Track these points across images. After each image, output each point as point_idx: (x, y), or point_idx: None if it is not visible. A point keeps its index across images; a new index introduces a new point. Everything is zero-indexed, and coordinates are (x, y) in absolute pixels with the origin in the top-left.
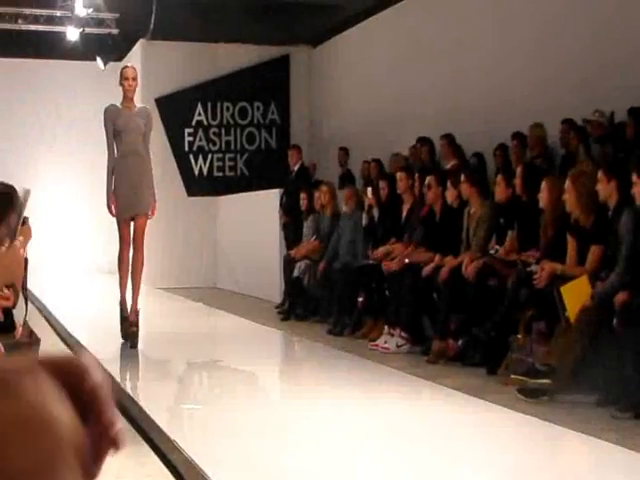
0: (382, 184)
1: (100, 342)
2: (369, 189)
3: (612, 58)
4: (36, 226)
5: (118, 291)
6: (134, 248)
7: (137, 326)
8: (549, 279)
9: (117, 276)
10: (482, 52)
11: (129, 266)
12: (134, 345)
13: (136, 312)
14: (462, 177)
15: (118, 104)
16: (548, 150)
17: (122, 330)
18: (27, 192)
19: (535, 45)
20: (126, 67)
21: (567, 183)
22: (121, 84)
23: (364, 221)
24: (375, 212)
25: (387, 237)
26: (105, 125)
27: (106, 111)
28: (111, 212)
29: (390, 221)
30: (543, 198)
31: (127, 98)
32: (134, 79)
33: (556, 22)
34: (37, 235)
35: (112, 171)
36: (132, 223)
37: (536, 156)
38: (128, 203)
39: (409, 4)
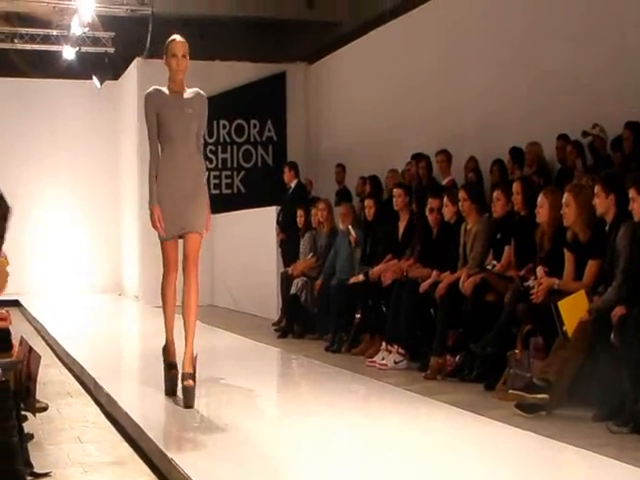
0: (369, 202)
1: (97, 361)
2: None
3: (608, 76)
4: (32, 246)
5: (163, 329)
6: (185, 275)
7: (194, 379)
8: (547, 294)
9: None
10: (478, 69)
11: (176, 299)
12: (189, 404)
13: (192, 360)
14: (464, 194)
15: (164, 88)
16: (544, 167)
17: (167, 383)
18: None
19: (529, 63)
20: (174, 40)
21: (567, 197)
22: (167, 63)
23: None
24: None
25: (377, 255)
26: (146, 116)
27: (148, 97)
28: (158, 228)
29: (382, 238)
30: (542, 212)
31: (175, 81)
32: (184, 56)
33: (552, 41)
34: (33, 255)
35: (156, 176)
36: (181, 242)
37: (533, 172)
38: (176, 218)
39: (405, 21)
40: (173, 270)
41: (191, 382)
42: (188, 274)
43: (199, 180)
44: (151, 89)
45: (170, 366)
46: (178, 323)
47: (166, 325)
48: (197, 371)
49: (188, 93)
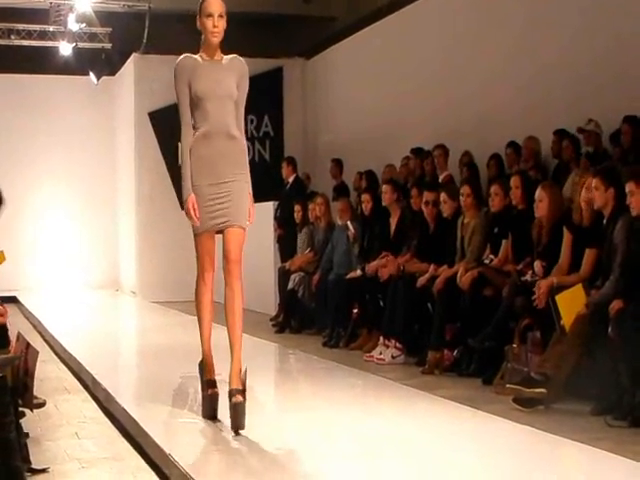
0: (365, 197)
1: (94, 357)
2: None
3: (606, 69)
4: (29, 242)
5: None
6: (226, 277)
7: (243, 395)
8: (548, 295)
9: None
10: (475, 64)
11: (212, 303)
12: (239, 425)
13: (240, 374)
14: (468, 190)
15: (196, 56)
16: (541, 162)
17: (206, 404)
18: None
19: (526, 58)
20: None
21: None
22: (201, 24)
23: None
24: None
25: (374, 250)
26: (177, 88)
27: (179, 66)
28: (192, 217)
29: (378, 234)
30: (542, 205)
31: (211, 45)
32: (221, 16)
33: (549, 35)
34: (30, 251)
35: (190, 157)
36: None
37: (530, 168)
38: (213, 208)
39: (402, 16)
40: (209, 268)
41: (240, 398)
42: (229, 275)
43: (240, 164)
44: (182, 56)
45: (208, 384)
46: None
47: (202, 335)
48: (247, 387)
49: (226, 60)
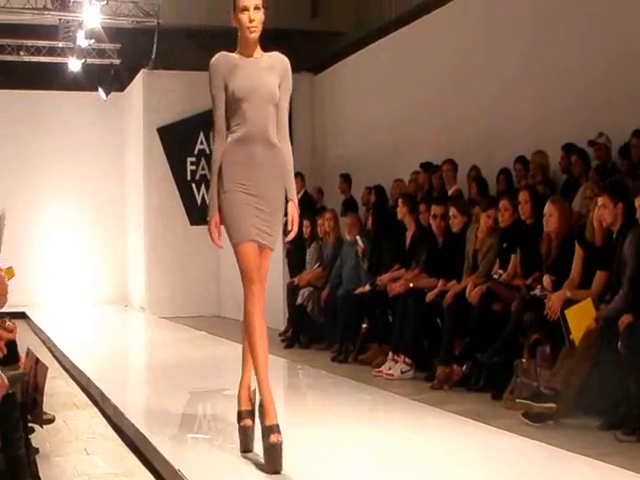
0: (370, 212)
1: (103, 372)
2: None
3: (614, 84)
4: (38, 257)
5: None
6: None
7: (279, 431)
8: (560, 308)
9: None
10: (484, 79)
11: (264, 321)
12: (276, 468)
13: (274, 407)
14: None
15: (233, 54)
16: (549, 177)
17: (241, 436)
18: (1, 216)
19: (534, 72)
20: None
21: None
22: (236, 20)
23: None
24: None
25: (384, 265)
26: (212, 88)
27: (214, 66)
28: (214, 240)
29: (388, 248)
30: (552, 220)
31: (248, 42)
32: (258, 9)
33: (558, 49)
34: (39, 267)
35: (221, 166)
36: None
37: (538, 182)
38: (253, 219)
39: (410, 31)
40: (257, 280)
41: (279, 437)
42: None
43: (278, 176)
44: (218, 55)
45: (240, 415)
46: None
47: (256, 359)
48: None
49: (266, 58)
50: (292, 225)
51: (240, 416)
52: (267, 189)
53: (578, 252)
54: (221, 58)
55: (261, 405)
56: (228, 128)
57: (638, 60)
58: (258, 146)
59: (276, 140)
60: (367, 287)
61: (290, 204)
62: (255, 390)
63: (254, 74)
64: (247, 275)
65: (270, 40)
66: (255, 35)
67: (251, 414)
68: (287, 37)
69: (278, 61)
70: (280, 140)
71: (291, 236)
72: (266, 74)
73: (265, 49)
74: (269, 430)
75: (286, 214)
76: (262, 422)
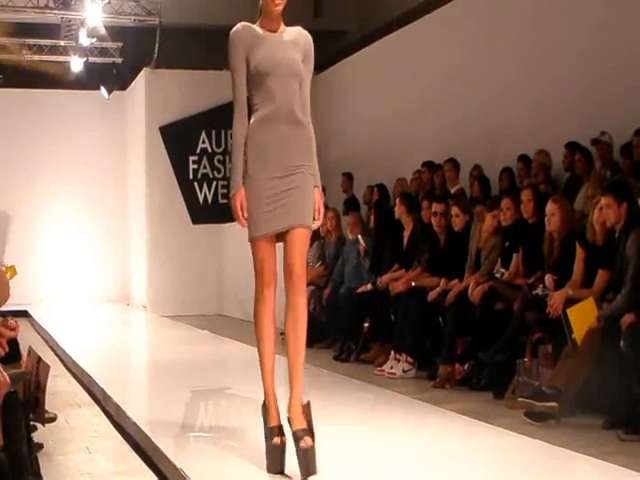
0: (371, 211)
1: (105, 371)
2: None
3: (616, 83)
4: (40, 256)
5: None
6: (288, 291)
7: (311, 435)
8: (562, 305)
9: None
10: (486, 77)
11: (275, 326)
12: (311, 472)
13: (303, 410)
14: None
15: (255, 26)
16: (551, 176)
17: (271, 456)
18: None
19: (537, 70)
20: None
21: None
22: None
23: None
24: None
25: (385, 263)
26: (232, 61)
27: (235, 36)
28: (239, 218)
29: (389, 247)
30: (554, 219)
31: (271, 15)
32: None
33: (555, 48)
34: (41, 265)
35: (245, 146)
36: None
37: (540, 182)
38: (272, 206)
39: (412, 30)
40: (270, 282)
41: (309, 441)
42: (293, 289)
43: (306, 153)
44: (239, 26)
45: (272, 432)
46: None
47: (263, 369)
48: (312, 425)
49: (289, 33)
50: (318, 214)
51: (270, 433)
52: (294, 168)
53: (579, 253)
54: (243, 29)
55: (263, 405)
56: (250, 105)
57: (638, 59)
58: (285, 125)
59: (303, 117)
60: (369, 286)
61: (315, 191)
62: (308, 404)
63: (278, 48)
64: (260, 274)
65: None
66: (280, 8)
67: (281, 430)
68: None
69: (301, 36)
70: (304, 116)
71: (316, 225)
72: (290, 49)
73: None
74: (297, 435)
75: None
76: (291, 428)
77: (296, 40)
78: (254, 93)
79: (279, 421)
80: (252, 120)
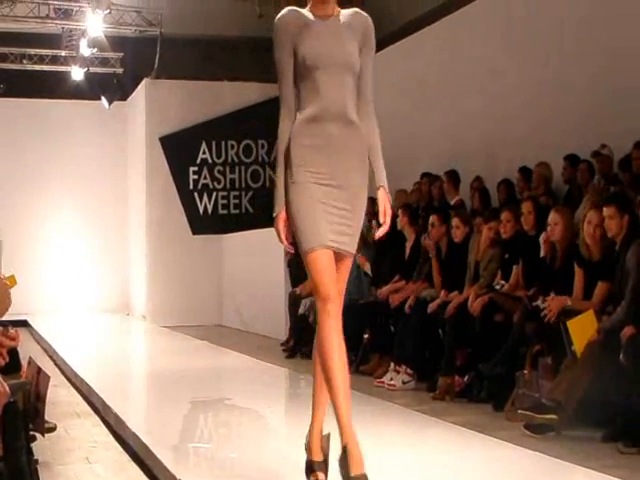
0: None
1: (105, 381)
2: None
3: (613, 95)
4: (40, 265)
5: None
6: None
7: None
8: (558, 311)
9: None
10: (486, 90)
11: (343, 347)
12: None
13: (360, 454)
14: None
15: (304, 10)
16: (552, 188)
17: None
18: None
19: (537, 83)
20: None
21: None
22: None
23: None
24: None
25: (384, 275)
26: (277, 52)
27: (281, 23)
28: (282, 241)
29: (389, 258)
30: (557, 229)
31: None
32: None
33: (557, 61)
34: (41, 275)
35: (288, 149)
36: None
37: (541, 194)
38: (330, 217)
39: (412, 41)
40: (333, 296)
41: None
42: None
43: (359, 158)
44: (285, 11)
45: (311, 466)
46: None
47: (334, 396)
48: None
49: (344, 16)
50: (384, 217)
51: (311, 468)
52: (346, 177)
53: (578, 271)
54: (290, 15)
55: (344, 451)
56: (300, 100)
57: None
58: (334, 125)
59: (355, 117)
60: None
61: (380, 191)
62: (328, 436)
63: (330, 37)
64: (321, 291)
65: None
66: None
67: (323, 466)
68: None
69: (358, 21)
70: (364, 117)
71: (382, 231)
72: (344, 37)
73: (268, 60)
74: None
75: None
76: (345, 472)
77: (351, 25)
78: (300, 89)
79: (321, 455)
80: (296, 121)
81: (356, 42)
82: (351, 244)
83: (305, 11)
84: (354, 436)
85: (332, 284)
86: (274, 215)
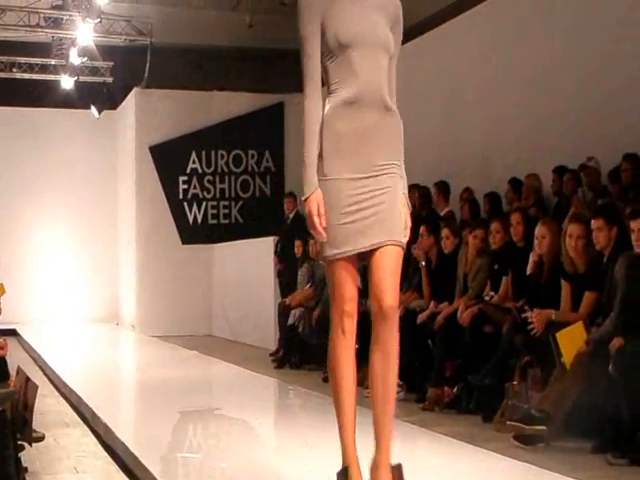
0: None
1: (94, 391)
2: None
3: (602, 107)
4: (29, 275)
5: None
6: (377, 326)
7: None
8: (545, 325)
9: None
10: (478, 103)
11: (355, 368)
12: None
13: (392, 473)
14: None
15: None
16: (542, 200)
17: None
18: None
19: (527, 94)
20: None
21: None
22: None
23: None
24: None
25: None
26: (302, 26)
27: None
28: (316, 228)
29: None
30: (545, 242)
31: None
32: None
33: (548, 73)
34: (31, 284)
35: (319, 137)
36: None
37: (530, 205)
38: (356, 216)
39: (405, 52)
40: (351, 312)
41: None
42: (383, 323)
43: (396, 149)
44: None
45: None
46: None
47: (340, 423)
48: None
49: None
50: (405, 229)
51: None
52: (384, 167)
53: (565, 287)
54: None
55: (345, 471)
56: (329, 84)
57: (628, 85)
58: (372, 110)
59: (391, 103)
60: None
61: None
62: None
63: (362, 14)
64: (338, 302)
65: (264, 60)
66: None
67: None
68: (280, 58)
69: (390, 2)
70: (392, 100)
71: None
72: (377, 15)
73: (259, 69)
74: None
75: None
76: None
77: (382, 4)
78: (331, 70)
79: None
80: (328, 105)
81: (388, 22)
82: (390, 232)
83: None
84: (357, 458)
85: (353, 299)
86: (303, 198)
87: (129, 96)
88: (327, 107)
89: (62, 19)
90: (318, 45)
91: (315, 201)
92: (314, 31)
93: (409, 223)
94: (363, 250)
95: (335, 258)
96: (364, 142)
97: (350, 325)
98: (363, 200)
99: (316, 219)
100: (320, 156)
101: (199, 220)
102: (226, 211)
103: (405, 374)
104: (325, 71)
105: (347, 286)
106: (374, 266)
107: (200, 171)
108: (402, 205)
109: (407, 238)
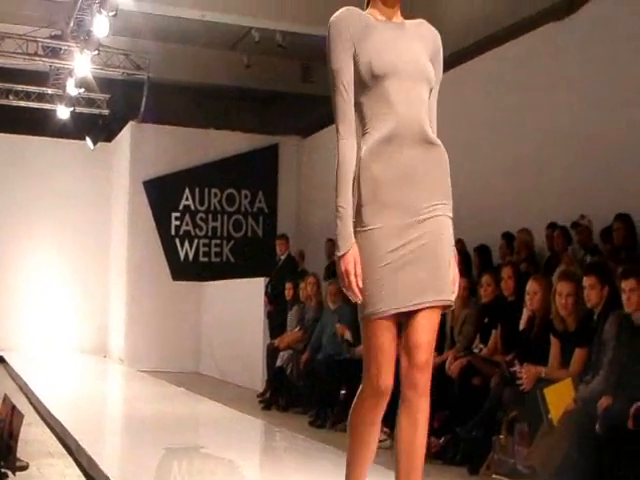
0: None
1: (80, 422)
2: None
3: (597, 167)
4: (18, 303)
5: None
6: (407, 389)
7: None
8: (534, 381)
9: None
10: (468, 154)
11: (377, 439)
12: None
13: None
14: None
15: (365, 12)
16: (534, 255)
17: None
18: None
19: (522, 152)
20: None
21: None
22: None
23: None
24: None
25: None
26: (334, 57)
27: (338, 22)
28: (352, 289)
29: None
30: (537, 298)
31: (388, 1)
32: None
33: (549, 132)
34: (19, 312)
35: (357, 184)
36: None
37: (522, 260)
38: (397, 272)
39: None
40: (386, 392)
41: None
42: (413, 387)
43: (444, 188)
44: (343, 10)
45: None
46: None
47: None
48: None
49: (410, 24)
50: (453, 284)
51: None
52: (429, 211)
53: (554, 344)
54: (349, 14)
55: None
56: (363, 121)
57: (622, 148)
58: (413, 147)
59: (434, 137)
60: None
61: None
62: None
63: (398, 42)
64: (371, 377)
65: (261, 101)
66: None
67: None
68: (277, 99)
69: (427, 30)
70: (434, 135)
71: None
72: (417, 46)
73: (256, 110)
74: None
75: None
76: None
77: (422, 34)
78: (366, 103)
79: None
80: (364, 147)
81: (428, 54)
82: (439, 292)
83: (365, 13)
84: None
85: (390, 371)
86: (339, 254)
87: (124, 129)
88: (363, 149)
89: (60, 49)
90: (351, 77)
91: (352, 258)
92: (347, 62)
93: (457, 276)
94: (407, 309)
95: (377, 317)
96: (407, 183)
97: (384, 396)
98: (407, 253)
99: (353, 278)
100: (358, 205)
101: (190, 257)
102: (217, 249)
103: (392, 422)
104: (358, 108)
105: (386, 355)
106: (413, 324)
107: (193, 208)
108: (451, 256)
109: (455, 294)
